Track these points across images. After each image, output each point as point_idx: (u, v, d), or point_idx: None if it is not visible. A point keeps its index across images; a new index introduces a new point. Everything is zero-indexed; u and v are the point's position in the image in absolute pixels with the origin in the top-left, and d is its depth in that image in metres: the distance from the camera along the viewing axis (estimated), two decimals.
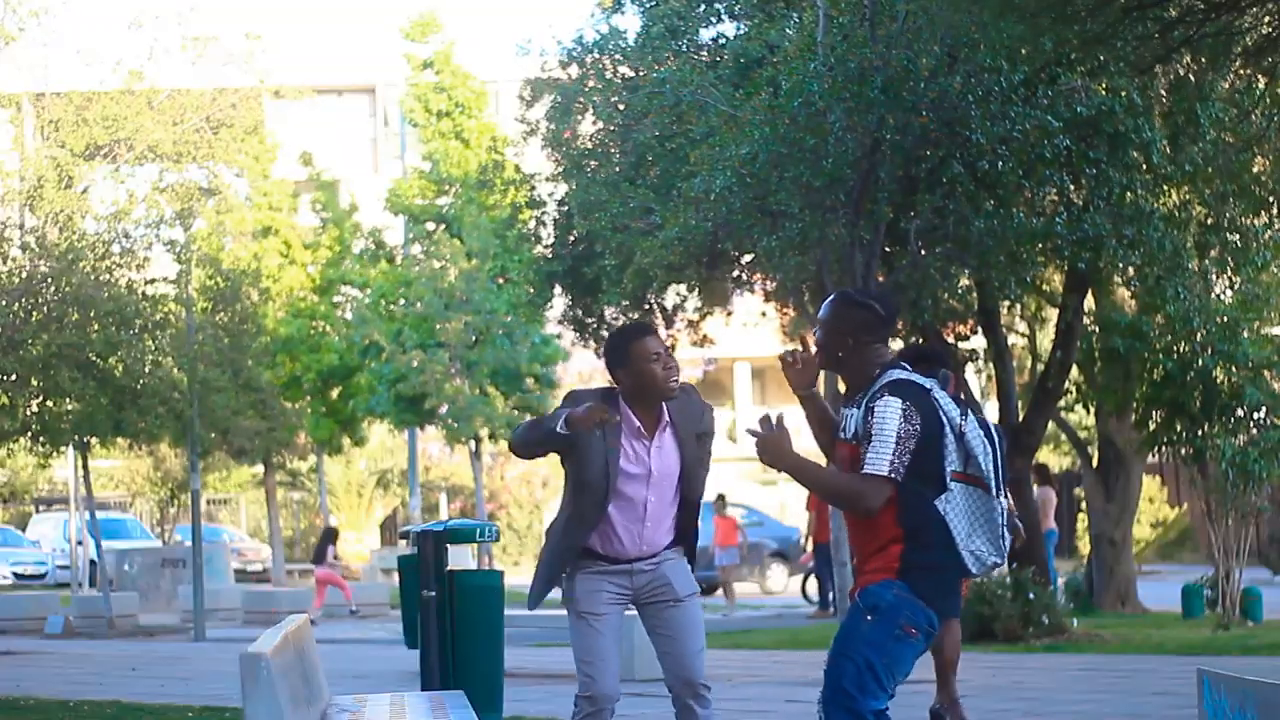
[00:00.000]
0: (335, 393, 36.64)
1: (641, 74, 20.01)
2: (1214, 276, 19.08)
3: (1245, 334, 18.92)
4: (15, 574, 40.62)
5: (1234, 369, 18.65)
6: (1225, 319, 18.73)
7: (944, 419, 5.78)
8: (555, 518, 6.98)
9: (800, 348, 6.10)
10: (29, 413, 22.00)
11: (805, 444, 6.10)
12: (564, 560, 6.84)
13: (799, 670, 15.21)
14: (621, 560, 6.80)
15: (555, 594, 7.05)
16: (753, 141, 16.00)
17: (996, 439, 5.92)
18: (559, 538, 6.87)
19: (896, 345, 21.83)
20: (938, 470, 5.73)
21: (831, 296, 6.06)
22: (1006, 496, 5.97)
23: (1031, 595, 17.77)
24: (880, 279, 17.46)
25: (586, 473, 6.75)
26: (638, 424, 6.77)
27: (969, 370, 23.65)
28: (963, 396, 6.04)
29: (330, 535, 27.91)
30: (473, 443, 32.73)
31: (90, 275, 20.93)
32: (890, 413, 5.71)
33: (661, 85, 18.39)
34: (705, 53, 20.12)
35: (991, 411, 24.93)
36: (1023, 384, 23.69)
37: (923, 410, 5.76)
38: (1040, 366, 21.79)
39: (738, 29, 20.28)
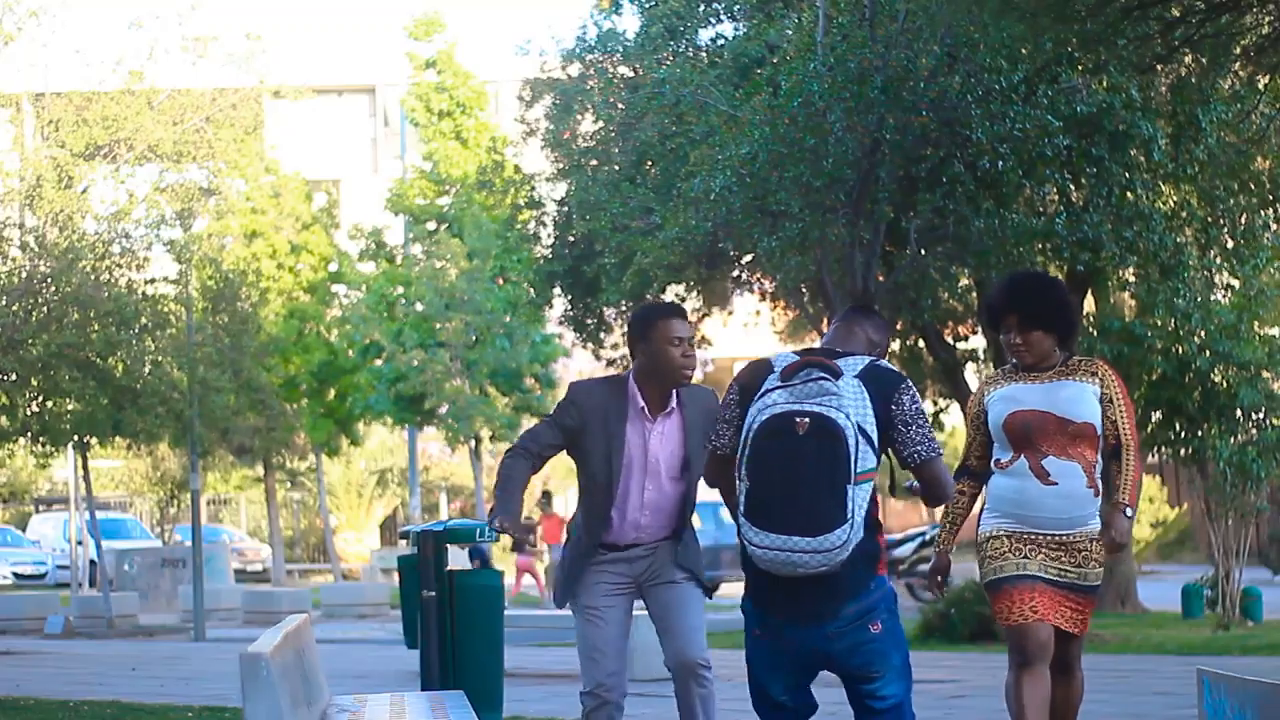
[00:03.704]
0: (331, 393, 36.64)
1: (641, 74, 20.02)
2: (1214, 275, 19.07)
3: (1244, 334, 18.92)
4: (15, 574, 40.63)
5: (1232, 369, 18.65)
6: (1222, 320, 18.73)
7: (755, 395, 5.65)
8: (575, 513, 6.92)
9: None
10: (29, 413, 22.02)
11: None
12: (588, 558, 6.75)
13: None
14: (618, 547, 6.72)
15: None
16: (753, 141, 16.00)
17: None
18: (581, 538, 6.80)
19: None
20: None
21: None
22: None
23: None
24: (880, 279, 17.46)
25: (590, 466, 6.70)
26: (642, 405, 6.65)
27: (969, 370, 23.65)
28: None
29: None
30: (473, 442, 32.74)
31: (90, 275, 20.94)
32: None
33: (661, 85, 18.39)
34: (705, 53, 20.12)
35: None
36: None
37: (741, 381, 5.75)
38: None
39: (737, 29, 20.28)
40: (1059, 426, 6.77)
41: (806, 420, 5.46)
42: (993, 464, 6.91)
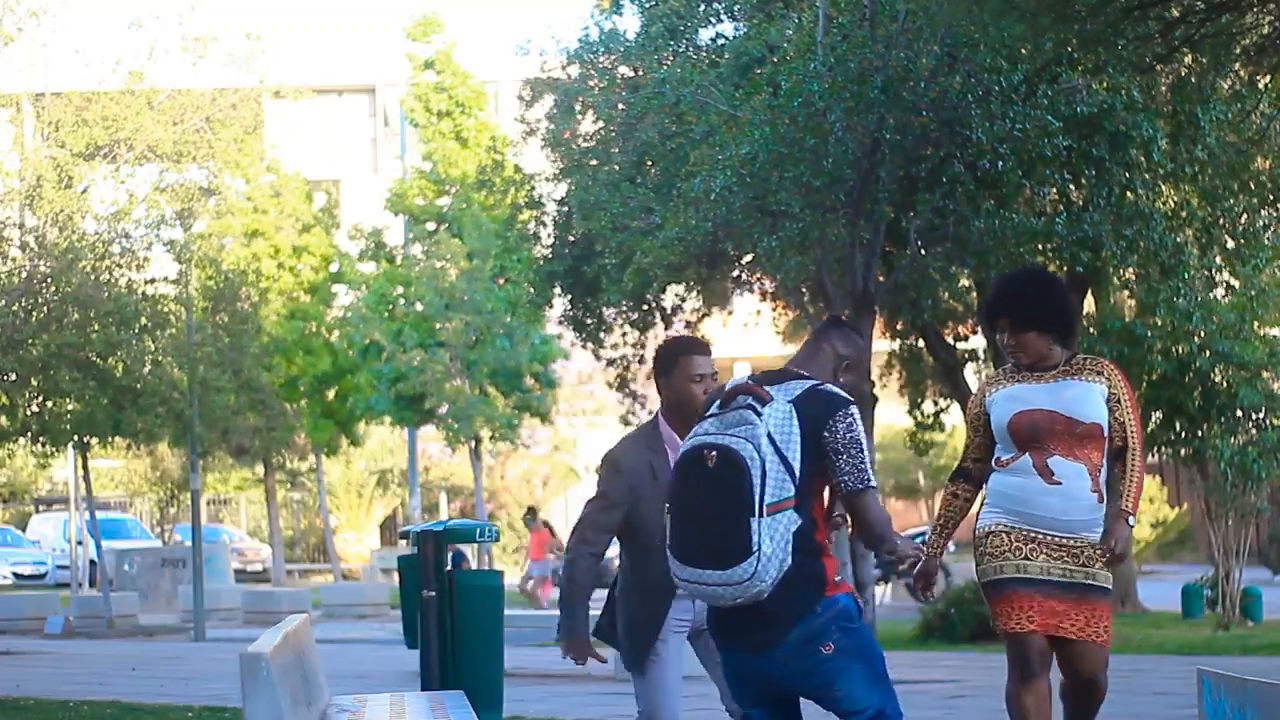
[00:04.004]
0: (331, 394, 36.67)
1: (642, 74, 20.01)
2: (1215, 275, 19.07)
3: (1244, 334, 18.92)
4: (15, 574, 40.65)
5: (1232, 369, 18.66)
6: (1222, 319, 18.74)
7: None
8: (622, 577, 6.73)
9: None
10: (29, 413, 22.04)
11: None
12: (658, 623, 6.62)
13: None
14: None
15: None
16: (753, 141, 16.00)
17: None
18: (642, 595, 6.62)
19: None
20: None
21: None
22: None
23: None
24: (880, 279, 17.46)
25: (648, 526, 6.50)
26: (680, 442, 6.46)
27: (969, 370, 23.64)
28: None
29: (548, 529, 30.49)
30: (472, 443, 32.76)
31: (90, 275, 20.95)
32: None
33: (662, 85, 18.38)
34: (705, 53, 20.12)
35: None
36: None
37: (704, 408, 5.88)
38: None
39: (737, 29, 20.27)
40: (1068, 426, 6.55)
41: (714, 453, 5.50)
42: (993, 462, 6.73)
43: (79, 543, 35.80)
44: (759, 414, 5.52)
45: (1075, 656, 6.61)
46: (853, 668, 5.58)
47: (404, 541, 10.64)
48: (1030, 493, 6.58)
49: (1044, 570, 6.57)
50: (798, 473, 5.48)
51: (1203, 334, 18.52)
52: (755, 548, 5.41)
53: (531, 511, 31.06)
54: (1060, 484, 6.54)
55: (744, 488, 5.42)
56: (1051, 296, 6.78)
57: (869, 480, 5.56)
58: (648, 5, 20.82)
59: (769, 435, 5.49)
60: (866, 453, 5.59)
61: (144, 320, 21.63)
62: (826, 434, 5.54)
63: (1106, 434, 6.59)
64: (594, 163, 20.64)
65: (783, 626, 5.53)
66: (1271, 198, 18.05)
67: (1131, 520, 6.57)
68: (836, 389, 5.66)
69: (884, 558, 5.95)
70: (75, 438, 23.27)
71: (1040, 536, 6.58)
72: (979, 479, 6.84)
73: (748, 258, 19.94)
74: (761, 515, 5.42)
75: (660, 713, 6.70)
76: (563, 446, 49.09)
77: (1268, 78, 16.24)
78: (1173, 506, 39.05)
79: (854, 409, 5.61)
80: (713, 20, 20.71)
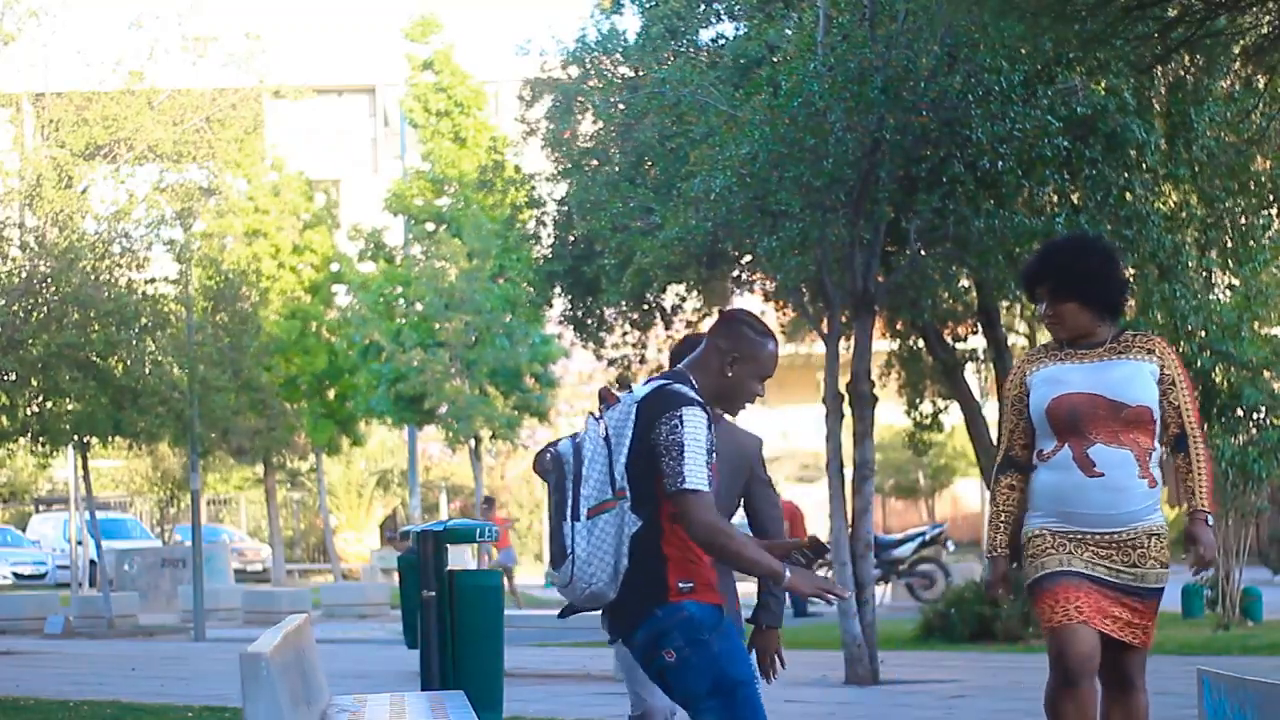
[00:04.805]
0: (332, 394, 36.68)
1: (641, 74, 20.02)
2: (1214, 275, 19.07)
3: (1245, 334, 18.92)
4: (15, 574, 40.67)
5: (1233, 369, 18.65)
6: (1223, 319, 18.74)
7: None
8: None
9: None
10: (29, 413, 22.05)
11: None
12: None
13: (796, 670, 15.23)
14: None
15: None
16: (753, 141, 15.99)
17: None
18: None
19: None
20: None
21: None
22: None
23: None
24: (880, 279, 17.46)
25: None
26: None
27: (969, 370, 23.65)
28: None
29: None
30: (472, 442, 32.76)
31: (90, 275, 20.96)
32: None
33: (661, 85, 18.38)
34: (705, 53, 20.12)
35: (991, 410, 24.86)
36: None
37: None
38: None
39: (737, 29, 20.27)
40: (1111, 411, 6.06)
41: (549, 455, 5.64)
42: (1035, 456, 6.24)
43: (79, 543, 35.81)
44: (598, 418, 5.53)
45: (1118, 659, 6.21)
46: (690, 684, 5.44)
47: (392, 541, 10.66)
48: (1072, 489, 6.13)
49: (1089, 566, 6.13)
50: (619, 475, 5.40)
51: (1203, 334, 18.51)
52: (569, 551, 5.42)
53: (489, 501, 31.04)
54: (1102, 475, 6.08)
55: (562, 491, 5.50)
56: (1096, 266, 6.28)
57: (684, 482, 5.32)
58: (648, 5, 20.82)
59: (606, 438, 5.47)
60: (691, 454, 5.34)
61: (144, 320, 21.64)
62: (653, 435, 5.40)
63: (1158, 417, 6.14)
64: (594, 163, 20.64)
65: (628, 627, 5.52)
66: (1271, 198, 18.05)
67: (1210, 520, 6.26)
68: (682, 390, 5.48)
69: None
70: (75, 438, 23.29)
71: (1086, 537, 6.15)
72: (1028, 466, 6.32)
73: (748, 258, 19.94)
74: (576, 518, 5.43)
75: (651, 700, 6.79)
76: None
77: (1266, 78, 16.23)
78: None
79: (689, 410, 5.40)
80: (713, 20, 20.71)
